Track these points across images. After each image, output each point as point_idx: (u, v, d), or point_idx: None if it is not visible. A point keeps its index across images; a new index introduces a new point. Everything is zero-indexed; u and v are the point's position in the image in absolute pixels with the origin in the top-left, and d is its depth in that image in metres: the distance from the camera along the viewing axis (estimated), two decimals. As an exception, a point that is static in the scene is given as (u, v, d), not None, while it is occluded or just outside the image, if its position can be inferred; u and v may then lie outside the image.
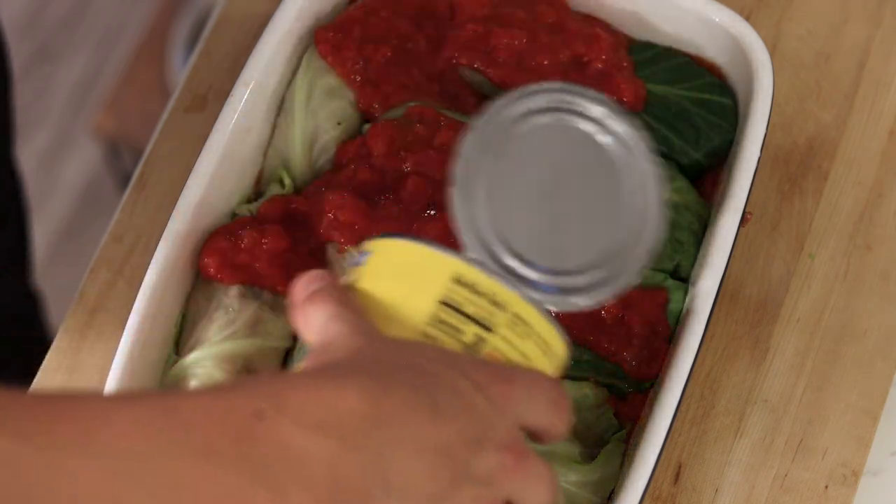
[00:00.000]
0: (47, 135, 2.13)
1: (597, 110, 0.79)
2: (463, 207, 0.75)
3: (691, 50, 0.99)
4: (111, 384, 0.86)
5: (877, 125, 1.06)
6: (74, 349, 0.99)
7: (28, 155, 2.10)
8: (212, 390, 0.65)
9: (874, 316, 1.00)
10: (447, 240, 0.77)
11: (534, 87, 0.78)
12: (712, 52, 0.99)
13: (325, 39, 0.97)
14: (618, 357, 0.89)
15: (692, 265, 0.93)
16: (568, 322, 0.88)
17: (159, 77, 1.89)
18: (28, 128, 2.11)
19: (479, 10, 0.98)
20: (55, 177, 2.10)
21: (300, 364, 0.70)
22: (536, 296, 0.74)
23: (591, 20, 1.00)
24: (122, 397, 0.63)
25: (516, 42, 0.97)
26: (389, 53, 0.97)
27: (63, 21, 2.19)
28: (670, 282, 0.92)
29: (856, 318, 1.00)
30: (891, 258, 1.02)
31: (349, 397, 0.63)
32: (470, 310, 0.70)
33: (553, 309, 0.75)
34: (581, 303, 0.76)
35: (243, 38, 1.08)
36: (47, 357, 0.99)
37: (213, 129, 0.93)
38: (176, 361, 0.90)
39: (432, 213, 0.90)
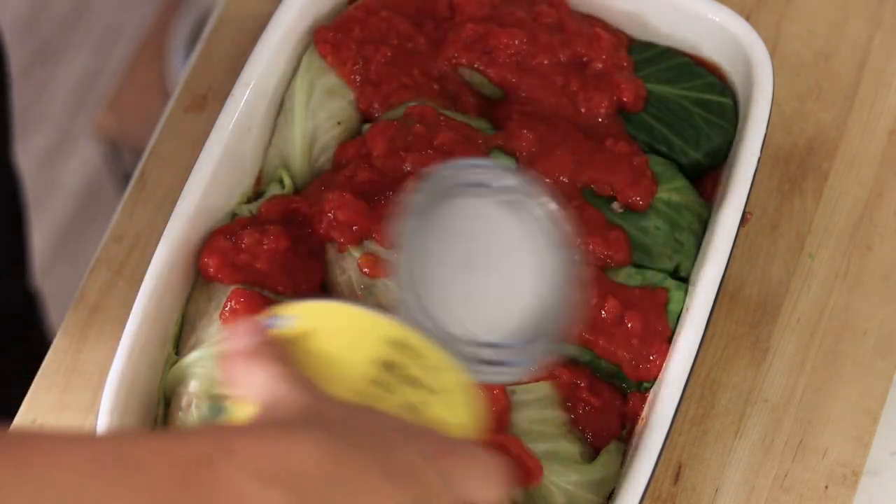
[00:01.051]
0: (47, 135, 2.13)
1: (527, 192, 0.80)
2: (403, 271, 0.75)
3: (691, 50, 0.99)
4: (111, 384, 0.86)
5: (877, 125, 1.06)
6: (74, 349, 0.99)
7: (28, 155, 2.10)
8: (162, 433, 0.64)
9: (874, 316, 1.00)
10: None
11: (471, 161, 0.80)
12: (712, 52, 0.99)
13: (325, 39, 0.97)
14: (618, 357, 0.89)
15: (692, 265, 0.93)
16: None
17: (159, 77, 1.89)
18: (28, 128, 2.11)
19: (479, 10, 0.98)
20: (55, 177, 2.10)
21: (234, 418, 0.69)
22: (467, 364, 0.74)
23: (591, 20, 1.00)
24: (73, 435, 0.62)
25: (516, 42, 0.97)
26: (389, 53, 0.97)
27: (63, 21, 2.19)
28: (670, 282, 0.92)
29: (856, 318, 1.00)
30: (891, 258, 1.02)
31: (304, 451, 0.62)
32: (408, 371, 0.71)
33: (478, 378, 0.75)
34: (495, 376, 0.76)
35: (243, 38, 1.08)
36: (47, 357, 0.99)
37: (213, 129, 0.93)
38: (176, 361, 0.90)
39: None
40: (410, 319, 0.73)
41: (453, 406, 0.72)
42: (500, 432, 0.86)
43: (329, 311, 0.73)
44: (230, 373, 0.70)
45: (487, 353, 0.76)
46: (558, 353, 0.80)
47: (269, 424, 0.65)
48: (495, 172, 0.79)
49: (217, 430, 0.64)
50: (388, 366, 0.71)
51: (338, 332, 0.72)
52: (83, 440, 0.61)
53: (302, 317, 0.73)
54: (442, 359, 0.72)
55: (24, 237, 1.36)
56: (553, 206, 0.79)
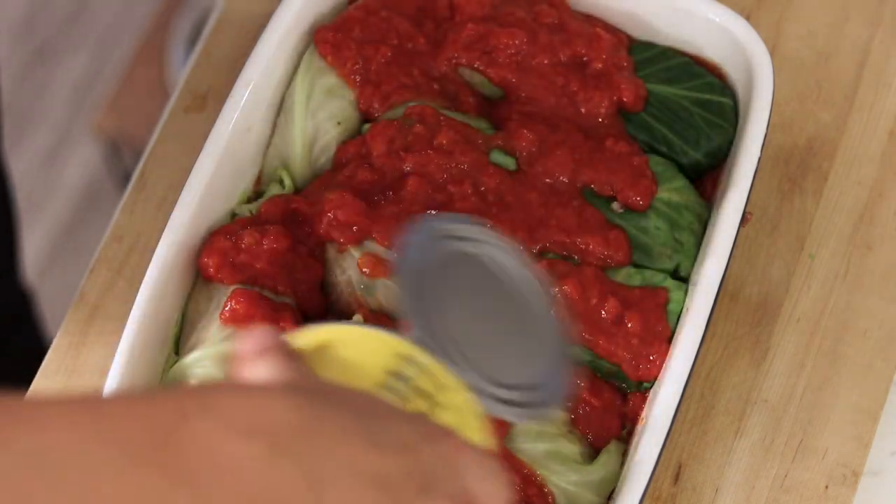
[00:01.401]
0: (47, 135, 2.13)
1: (505, 250, 0.79)
2: (410, 292, 0.74)
3: (691, 50, 0.99)
4: (111, 384, 0.86)
5: (877, 125, 1.06)
6: (74, 349, 0.99)
7: (28, 155, 2.10)
8: (138, 392, 0.63)
9: (874, 316, 1.00)
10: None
11: (455, 216, 0.79)
12: (712, 52, 0.99)
13: (325, 39, 0.97)
14: (618, 357, 0.89)
15: (692, 265, 0.93)
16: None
17: (159, 77, 1.89)
18: (28, 128, 2.11)
19: (479, 10, 0.98)
20: (55, 177, 2.10)
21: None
22: (482, 399, 0.74)
23: (591, 20, 1.00)
24: (48, 398, 0.61)
25: (516, 42, 0.97)
26: (389, 53, 0.97)
27: (63, 21, 2.19)
28: (670, 282, 0.92)
29: (856, 318, 1.00)
30: (891, 258, 1.02)
31: (282, 406, 0.62)
32: (418, 383, 0.70)
33: (493, 412, 0.74)
34: (512, 415, 0.75)
35: (243, 38, 1.08)
36: (47, 357, 0.99)
37: (213, 129, 0.93)
38: (176, 361, 0.90)
39: (432, 213, 0.90)
40: (417, 340, 0.72)
41: (462, 423, 0.71)
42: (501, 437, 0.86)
43: (339, 330, 0.73)
44: (235, 374, 0.69)
45: (501, 392, 0.75)
46: (565, 397, 0.78)
47: (251, 385, 0.64)
48: (480, 232, 0.79)
49: (195, 387, 0.63)
50: (399, 376, 0.70)
51: (349, 344, 0.71)
52: (62, 402, 0.60)
53: (312, 334, 0.72)
54: (451, 379, 0.71)
55: (15, 236, 1.36)
56: (537, 271, 0.79)
